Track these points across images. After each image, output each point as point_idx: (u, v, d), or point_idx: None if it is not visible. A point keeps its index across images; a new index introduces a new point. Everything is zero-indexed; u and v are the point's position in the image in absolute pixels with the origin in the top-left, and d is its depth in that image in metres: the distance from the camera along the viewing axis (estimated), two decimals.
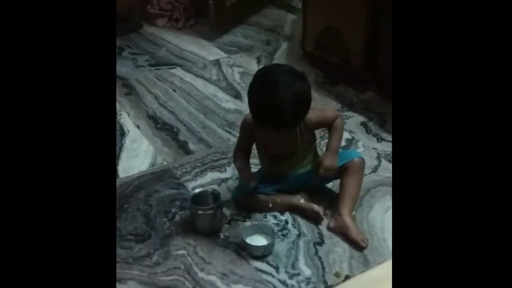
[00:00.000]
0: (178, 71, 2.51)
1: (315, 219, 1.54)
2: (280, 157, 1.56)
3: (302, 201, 1.56)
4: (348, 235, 1.46)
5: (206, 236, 1.50)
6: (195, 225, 1.52)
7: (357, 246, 1.44)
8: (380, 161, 1.82)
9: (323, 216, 1.54)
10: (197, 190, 1.57)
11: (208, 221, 1.50)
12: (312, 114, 1.47)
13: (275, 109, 1.34)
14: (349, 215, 1.50)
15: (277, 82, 1.35)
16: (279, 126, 1.39)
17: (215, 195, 1.54)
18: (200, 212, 1.49)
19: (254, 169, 1.73)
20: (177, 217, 1.58)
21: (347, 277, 1.35)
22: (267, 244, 1.44)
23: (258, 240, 1.46)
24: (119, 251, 1.44)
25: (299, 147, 1.52)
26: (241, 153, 1.57)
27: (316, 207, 1.54)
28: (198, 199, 1.53)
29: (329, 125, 1.54)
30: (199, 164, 1.82)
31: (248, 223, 1.54)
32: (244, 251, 1.44)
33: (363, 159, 1.60)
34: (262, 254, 1.44)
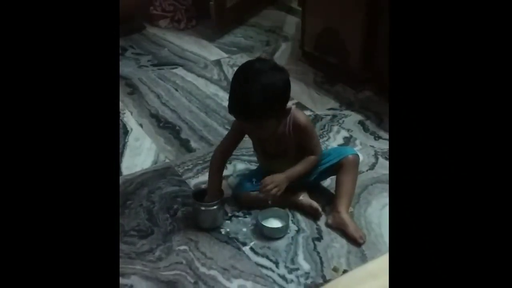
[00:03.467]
0: (180, 71, 2.54)
1: (313, 215, 1.56)
2: (273, 155, 1.58)
3: (301, 197, 1.59)
4: (346, 232, 1.49)
5: (208, 232, 1.52)
6: (197, 221, 1.54)
7: (355, 242, 1.47)
8: (377, 158, 1.84)
9: (321, 212, 1.56)
10: (200, 187, 1.59)
11: (210, 217, 1.52)
12: (303, 120, 1.48)
13: (242, 98, 1.35)
14: (346, 211, 1.52)
15: (250, 72, 1.37)
16: (246, 116, 1.39)
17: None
18: (203, 208, 1.51)
19: (254, 166, 1.77)
20: (179, 214, 1.60)
21: (345, 272, 1.37)
22: (282, 226, 1.49)
23: (273, 223, 1.51)
24: (122, 246, 1.47)
25: (289, 146, 1.53)
26: (218, 157, 1.56)
27: (314, 203, 1.56)
28: (201, 196, 1.55)
29: (306, 153, 1.52)
30: (201, 162, 1.85)
31: (248, 219, 1.57)
32: (245, 246, 1.47)
33: (358, 155, 1.61)
34: (277, 235, 1.49)
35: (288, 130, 1.50)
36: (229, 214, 1.59)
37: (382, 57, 2.07)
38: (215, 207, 1.50)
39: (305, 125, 1.50)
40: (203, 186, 1.60)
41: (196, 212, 1.54)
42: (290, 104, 1.50)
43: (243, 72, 1.41)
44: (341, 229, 1.50)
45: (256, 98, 1.33)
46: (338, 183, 1.57)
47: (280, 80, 1.39)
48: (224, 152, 1.58)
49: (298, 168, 1.52)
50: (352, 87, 2.31)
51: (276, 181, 1.48)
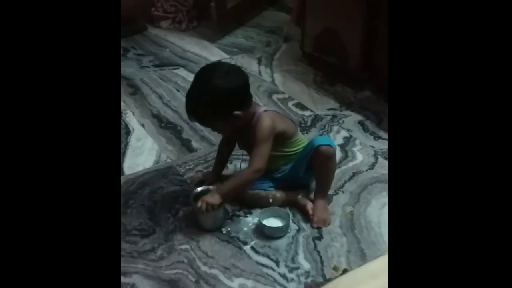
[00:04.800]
0: (181, 71, 2.55)
1: (306, 216, 1.57)
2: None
3: (299, 196, 1.60)
4: (313, 215, 1.55)
5: (209, 231, 1.52)
6: (199, 223, 1.54)
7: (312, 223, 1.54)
8: (377, 158, 1.85)
9: (311, 216, 1.55)
10: (199, 189, 1.59)
11: (211, 219, 1.53)
12: (260, 125, 1.47)
13: (190, 98, 1.45)
14: (321, 198, 1.58)
15: (202, 75, 1.44)
16: (191, 115, 1.48)
17: None
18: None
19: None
20: (181, 213, 1.61)
21: (345, 271, 1.38)
22: (282, 226, 1.50)
23: (274, 222, 1.53)
24: (124, 245, 1.47)
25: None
26: (222, 143, 1.70)
27: (309, 205, 1.57)
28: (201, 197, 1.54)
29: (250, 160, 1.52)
30: (202, 162, 1.86)
31: (249, 218, 1.58)
32: (246, 245, 1.48)
33: (329, 146, 1.52)
34: (278, 235, 1.50)
35: (252, 131, 1.49)
36: (230, 214, 1.60)
37: (381, 57, 2.08)
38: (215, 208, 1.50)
39: (259, 128, 1.47)
40: (202, 188, 1.60)
41: (197, 214, 1.54)
42: (264, 107, 1.55)
43: (198, 73, 1.47)
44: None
45: (200, 100, 1.41)
46: (314, 176, 1.61)
47: (229, 86, 1.41)
48: (224, 140, 1.70)
49: (230, 183, 1.53)
50: (352, 87, 2.31)
51: (208, 201, 1.47)
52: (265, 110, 1.53)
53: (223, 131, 1.56)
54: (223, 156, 1.72)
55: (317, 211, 1.55)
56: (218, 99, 1.40)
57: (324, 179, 1.58)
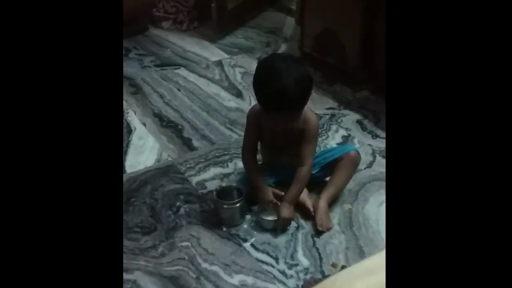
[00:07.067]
0: (182, 71, 2.56)
1: (305, 214, 1.58)
2: (283, 148, 1.61)
3: None
4: (315, 216, 1.55)
5: (209, 228, 1.54)
6: (221, 219, 1.56)
7: (316, 227, 1.53)
8: (375, 157, 1.87)
9: (313, 214, 1.57)
10: (223, 185, 1.62)
11: (234, 214, 1.55)
12: (313, 121, 1.53)
13: (281, 93, 1.38)
14: (326, 200, 1.58)
15: (279, 68, 1.40)
16: (286, 109, 1.42)
17: (239, 190, 1.58)
18: (225, 206, 1.53)
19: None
20: (182, 210, 1.63)
21: (343, 268, 1.39)
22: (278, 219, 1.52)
23: (270, 216, 1.54)
24: (126, 242, 1.49)
25: (296, 140, 1.55)
26: (251, 157, 1.60)
27: (308, 203, 1.58)
28: (223, 194, 1.57)
29: (299, 156, 1.55)
30: (203, 160, 1.88)
31: (248, 216, 1.59)
32: (246, 242, 1.50)
33: (359, 153, 1.65)
34: (276, 226, 1.52)
35: (297, 124, 1.52)
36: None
37: (380, 57, 2.08)
38: (237, 205, 1.53)
39: (313, 125, 1.53)
40: (224, 184, 1.63)
41: (219, 210, 1.56)
42: None
43: (271, 70, 1.42)
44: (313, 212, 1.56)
45: (295, 90, 1.38)
46: (332, 174, 1.63)
47: (307, 69, 1.46)
48: (251, 148, 1.61)
49: (296, 190, 1.55)
50: (350, 87, 2.33)
51: (287, 217, 1.52)
52: None
53: (297, 119, 1.51)
54: (259, 170, 1.63)
55: (321, 215, 1.55)
56: (305, 81, 1.43)
57: (341, 182, 1.62)
